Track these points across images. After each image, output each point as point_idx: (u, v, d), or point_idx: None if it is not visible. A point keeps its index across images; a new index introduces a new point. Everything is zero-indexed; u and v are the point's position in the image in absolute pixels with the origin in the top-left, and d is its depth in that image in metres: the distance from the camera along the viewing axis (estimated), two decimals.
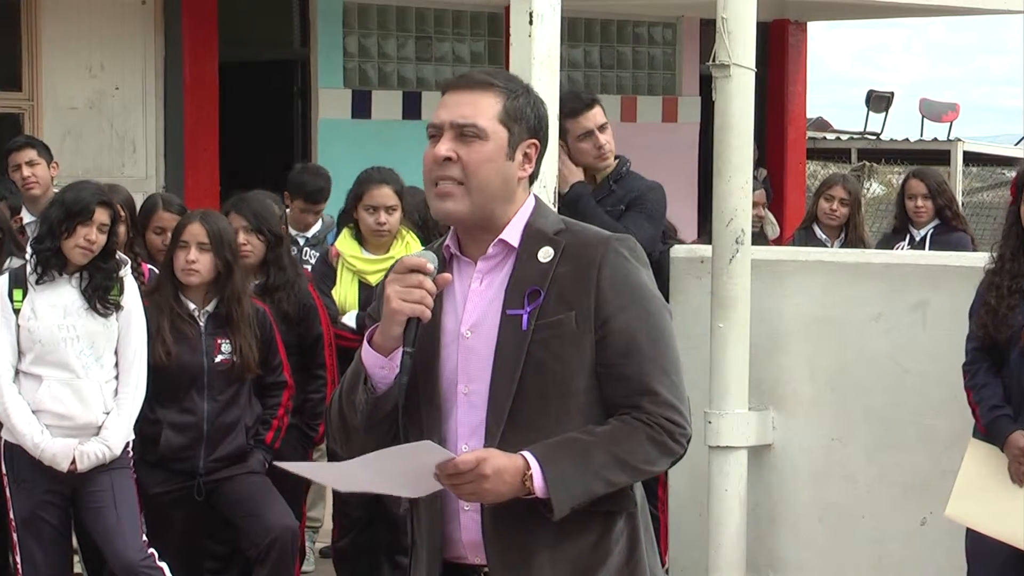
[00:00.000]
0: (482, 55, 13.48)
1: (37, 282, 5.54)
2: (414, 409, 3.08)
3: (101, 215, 5.54)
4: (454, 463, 2.91)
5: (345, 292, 6.61)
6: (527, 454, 2.98)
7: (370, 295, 6.44)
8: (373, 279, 6.53)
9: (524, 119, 3.13)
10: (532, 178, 3.20)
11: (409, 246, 6.62)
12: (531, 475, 2.96)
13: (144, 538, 5.68)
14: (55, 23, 10.94)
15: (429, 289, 3.01)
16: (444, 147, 3.07)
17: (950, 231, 7.96)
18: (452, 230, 3.20)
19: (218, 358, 5.78)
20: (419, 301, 3.00)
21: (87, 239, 5.51)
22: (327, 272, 6.64)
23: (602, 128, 6.23)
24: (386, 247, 6.63)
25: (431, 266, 3.03)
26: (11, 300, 5.55)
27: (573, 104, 6.12)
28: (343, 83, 12.69)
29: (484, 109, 3.09)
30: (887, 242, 8.30)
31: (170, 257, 5.84)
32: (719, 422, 5.58)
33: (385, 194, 6.57)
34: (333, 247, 6.75)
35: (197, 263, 5.73)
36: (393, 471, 2.94)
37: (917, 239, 8.04)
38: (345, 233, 6.71)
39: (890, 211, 18.26)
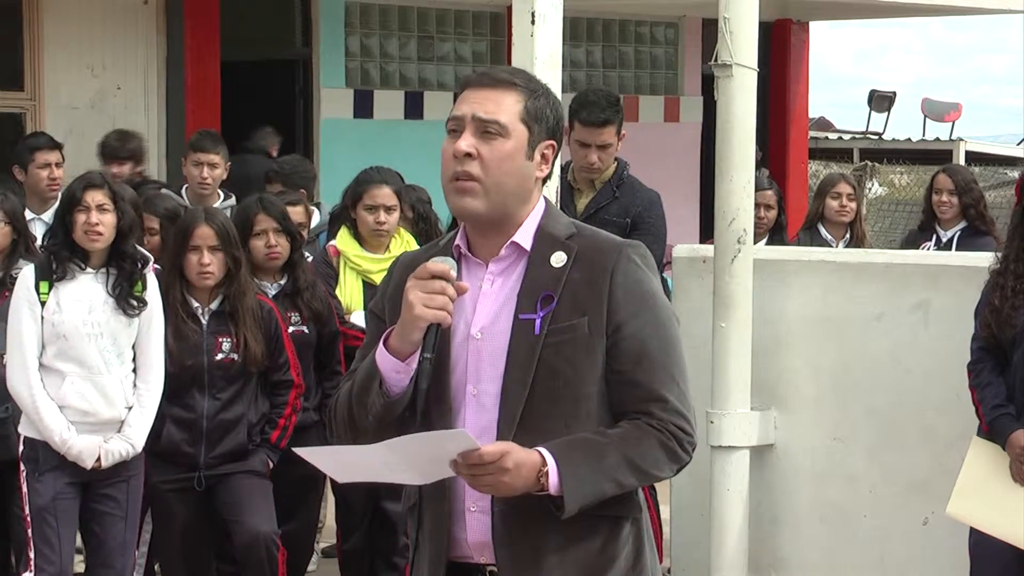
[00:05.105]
0: (484, 55, 13.48)
1: (60, 279, 5.57)
2: (424, 408, 3.07)
3: (93, 197, 5.57)
4: (479, 454, 2.91)
5: (350, 291, 6.61)
6: (544, 451, 2.99)
7: (375, 295, 6.43)
8: (377, 278, 6.52)
9: (544, 120, 3.14)
10: (546, 179, 3.21)
11: (409, 244, 6.63)
12: (547, 472, 2.97)
13: (137, 548, 5.81)
14: (57, 22, 10.94)
15: (451, 296, 3.01)
16: (465, 142, 3.07)
17: (977, 235, 7.89)
18: (462, 228, 3.19)
19: (218, 356, 5.80)
20: (442, 308, 3.00)
21: (88, 223, 5.55)
22: (328, 272, 6.63)
23: (603, 147, 6.31)
24: (385, 246, 6.64)
25: (453, 272, 3.03)
26: (38, 292, 5.57)
27: (588, 115, 6.27)
28: (345, 83, 12.69)
29: (506, 107, 3.10)
30: (913, 240, 8.29)
31: (176, 258, 5.83)
32: (721, 422, 5.59)
33: (384, 194, 6.58)
34: (332, 246, 6.75)
35: (211, 265, 5.77)
36: (412, 457, 2.94)
37: (944, 240, 8.01)
38: (344, 232, 6.70)
39: (892, 211, 18.35)
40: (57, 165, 7.55)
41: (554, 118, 3.17)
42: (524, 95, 3.13)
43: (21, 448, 5.66)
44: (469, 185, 3.07)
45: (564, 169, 6.54)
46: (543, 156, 3.15)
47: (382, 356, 3.05)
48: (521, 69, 3.30)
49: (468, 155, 3.07)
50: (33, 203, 7.35)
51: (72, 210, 5.59)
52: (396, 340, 3.04)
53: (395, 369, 3.04)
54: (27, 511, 5.63)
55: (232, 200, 7.91)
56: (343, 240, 6.68)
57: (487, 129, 3.08)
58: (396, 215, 6.62)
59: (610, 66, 14.42)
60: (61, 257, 5.59)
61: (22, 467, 5.66)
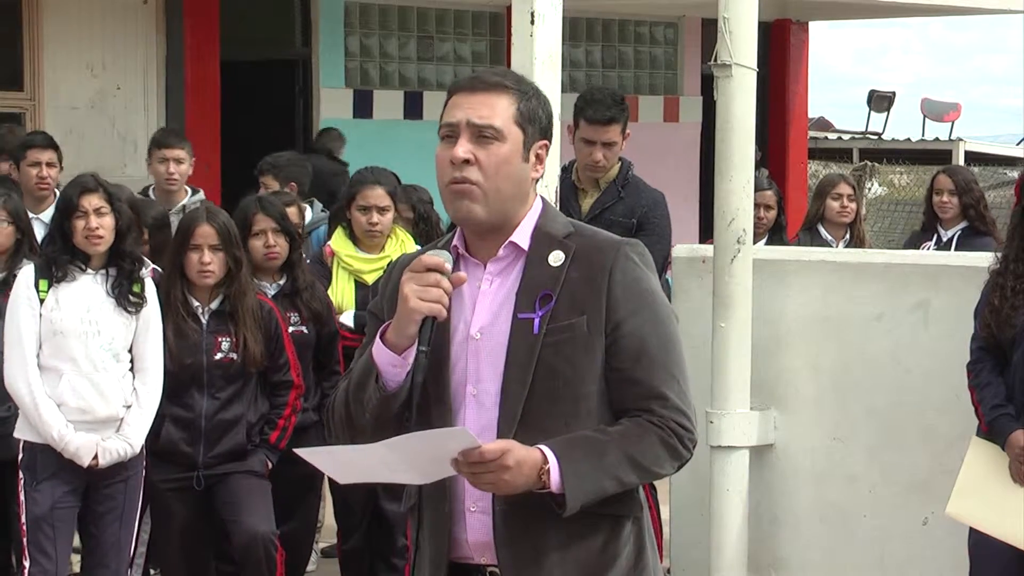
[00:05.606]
0: (484, 55, 13.49)
1: (60, 281, 5.58)
2: (424, 408, 3.08)
3: (89, 202, 5.58)
4: (480, 452, 2.91)
5: (342, 291, 6.61)
6: (545, 448, 2.99)
7: (366, 295, 6.44)
8: (369, 278, 6.53)
9: (537, 120, 3.14)
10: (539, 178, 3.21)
11: (404, 244, 6.62)
12: (548, 469, 2.97)
13: (132, 549, 5.81)
14: (57, 22, 10.95)
15: (446, 288, 3.01)
16: (462, 149, 3.07)
17: (977, 236, 7.89)
18: (459, 229, 3.19)
19: (217, 356, 5.80)
20: (437, 300, 3.00)
21: (88, 228, 5.56)
22: (322, 272, 6.63)
23: (608, 145, 6.30)
24: (380, 246, 6.63)
25: (448, 265, 3.03)
26: (37, 290, 5.57)
27: (594, 112, 6.26)
28: (344, 83, 12.70)
29: (500, 110, 3.09)
30: (915, 241, 8.30)
31: (177, 257, 5.84)
32: (721, 422, 5.58)
33: (378, 194, 6.57)
34: (327, 246, 6.76)
35: (211, 264, 5.77)
36: (413, 457, 2.94)
37: (944, 240, 8.01)
38: (339, 232, 6.70)
39: (891, 211, 18.36)
40: (49, 165, 7.51)
41: (546, 118, 3.18)
42: (516, 97, 3.12)
43: (20, 455, 5.65)
44: (468, 188, 3.07)
45: (568, 169, 6.54)
46: (537, 156, 3.16)
47: (379, 350, 3.05)
48: (510, 70, 3.30)
49: (466, 161, 3.07)
50: (28, 202, 7.31)
51: (70, 216, 5.60)
52: (392, 334, 3.04)
53: (392, 363, 3.04)
54: (23, 520, 5.62)
55: (200, 195, 7.89)
56: (338, 240, 6.68)
57: (483, 134, 3.08)
58: (390, 216, 6.62)
59: (610, 66, 14.43)
60: (61, 262, 5.60)
61: (20, 475, 5.66)
